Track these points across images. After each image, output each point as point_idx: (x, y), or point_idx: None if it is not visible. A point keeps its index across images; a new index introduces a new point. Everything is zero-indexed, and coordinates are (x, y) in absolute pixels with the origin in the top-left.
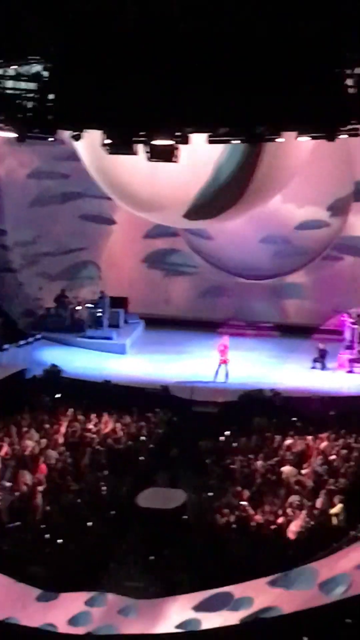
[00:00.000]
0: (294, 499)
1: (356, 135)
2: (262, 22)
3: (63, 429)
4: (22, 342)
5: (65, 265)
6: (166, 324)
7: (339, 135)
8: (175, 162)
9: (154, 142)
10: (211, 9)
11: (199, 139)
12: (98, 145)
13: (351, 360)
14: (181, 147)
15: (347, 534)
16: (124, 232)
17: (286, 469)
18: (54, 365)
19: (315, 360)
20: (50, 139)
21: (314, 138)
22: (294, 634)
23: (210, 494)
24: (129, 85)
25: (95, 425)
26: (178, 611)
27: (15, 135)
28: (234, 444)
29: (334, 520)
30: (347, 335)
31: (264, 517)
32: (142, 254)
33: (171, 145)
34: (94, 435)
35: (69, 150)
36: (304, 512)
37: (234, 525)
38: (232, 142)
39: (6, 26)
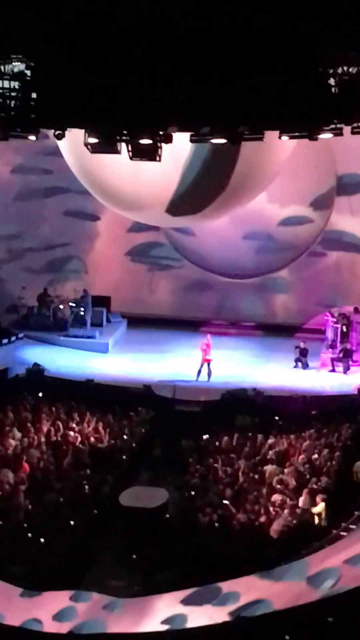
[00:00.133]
0: (276, 498)
1: (339, 134)
2: (245, 22)
3: (45, 428)
4: (4, 341)
5: (49, 259)
6: (149, 323)
7: (321, 134)
8: (158, 160)
9: (136, 141)
10: (196, 9)
11: (179, 137)
12: (81, 144)
13: (333, 359)
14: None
15: (330, 533)
16: (108, 226)
17: (268, 468)
18: (36, 365)
19: (297, 360)
20: (32, 138)
21: (296, 137)
22: (277, 632)
23: (193, 492)
24: (111, 85)
25: (77, 424)
26: (164, 606)
27: None
28: (217, 443)
29: (317, 519)
30: (329, 334)
31: (247, 516)
32: (126, 247)
33: (154, 144)
34: (77, 434)
35: (53, 145)
36: (286, 511)
37: (217, 524)
38: (214, 141)
39: None
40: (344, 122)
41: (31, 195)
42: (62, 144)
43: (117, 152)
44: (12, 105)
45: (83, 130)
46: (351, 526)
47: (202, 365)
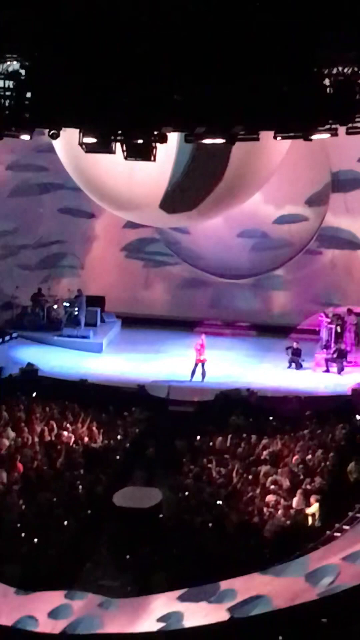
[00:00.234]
0: (270, 498)
1: (334, 135)
2: (240, 22)
3: (39, 428)
4: None
5: (45, 256)
6: (143, 323)
7: (317, 135)
8: (152, 160)
9: (131, 141)
10: (190, 9)
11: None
12: (75, 143)
13: (327, 360)
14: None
15: (324, 534)
16: (103, 222)
17: (262, 468)
18: (30, 364)
19: (291, 361)
20: (26, 138)
21: (291, 138)
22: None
23: (187, 493)
24: (106, 84)
25: (71, 424)
26: (160, 603)
27: None
28: (210, 444)
29: (310, 520)
30: (324, 334)
31: (240, 517)
32: (121, 243)
33: (148, 144)
34: (70, 434)
35: (48, 142)
36: (280, 511)
37: (210, 525)
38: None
39: None
40: (339, 123)
41: (26, 192)
42: (56, 144)
43: (112, 152)
44: (7, 104)
45: (78, 130)
46: (345, 527)
47: (196, 366)
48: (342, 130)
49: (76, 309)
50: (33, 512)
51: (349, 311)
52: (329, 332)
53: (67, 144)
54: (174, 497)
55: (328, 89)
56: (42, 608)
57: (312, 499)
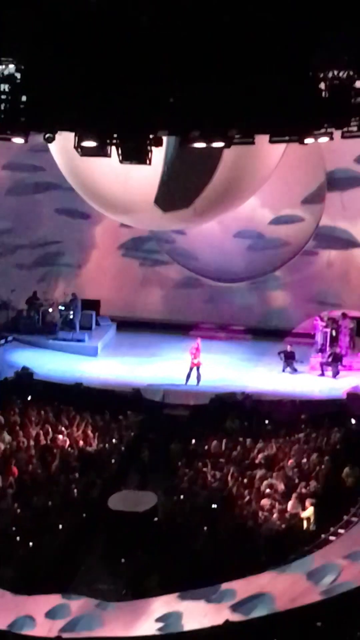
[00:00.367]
0: (265, 502)
1: (330, 138)
2: (236, 26)
3: (34, 432)
4: None
5: (41, 254)
6: (138, 326)
7: (312, 138)
8: (148, 164)
9: (126, 144)
10: (186, 12)
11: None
12: (71, 147)
13: (322, 364)
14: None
15: (319, 537)
16: (100, 220)
17: (257, 472)
18: (25, 368)
19: (285, 364)
20: (19, 141)
21: (286, 142)
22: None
23: (182, 496)
24: (101, 88)
25: (66, 427)
26: (160, 603)
27: None
28: (205, 447)
29: (305, 524)
30: (319, 338)
31: (235, 521)
32: (118, 241)
33: (144, 147)
34: (65, 438)
35: (44, 142)
36: (275, 515)
37: (205, 529)
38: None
39: None
40: (334, 126)
41: (22, 192)
42: (52, 147)
43: (107, 155)
44: (2, 108)
45: (73, 134)
46: (340, 530)
47: (191, 369)
48: (337, 132)
49: (71, 312)
50: (28, 516)
51: (344, 315)
52: (324, 335)
53: (62, 147)
54: (168, 500)
55: (323, 93)
56: (39, 608)
57: (307, 502)
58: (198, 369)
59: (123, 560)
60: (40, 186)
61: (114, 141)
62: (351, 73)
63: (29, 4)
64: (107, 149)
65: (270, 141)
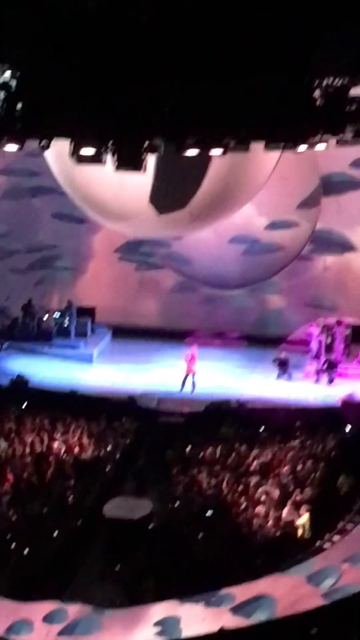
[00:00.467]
0: (260, 509)
1: (325, 145)
2: (230, 34)
3: (30, 439)
4: None
5: (37, 258)
6: (133, 334)
7: (307, 146)
8: (143, 171)
9: (121, 152)
10: (183, 19)
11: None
12: (66, 155)
13: (317, 371)
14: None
15: (313, 544)
16: (96, 225)
17: (252, 479)
18: (20, 375)
19: (279, 372)
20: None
21: (281, 149)
22: None
23: (177, 503)
24: (97, 96)
25: (61, 434)
26: (158, 606)
27: None
28: (201, 454)
29: (300, 531)
30: (314, 345)
31: (231, 527)
32: (114, 244)
33: (139, 155)
34: (61, 445)
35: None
36: (270, 522)
37: (201, 535)
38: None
39: None
40: (329, 134)
41: (19, 196)
42: (48, 154)
43: (103, 163)
44: None
45: (69, 141)
46: (335, 537)
47: (186, 376)
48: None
49: (67, 319)
50: (23, 523)
51: (339, 322)
52: (319, 343)
53: (58, 154)
54: (164, 507)
55: (318, 101)
56: (36, 613)
57: (302, 509)
58: (193, 376)
59: (118, 567)
60: (37, 191)
61: (110, 149)
62: (346, 81)
63: (24, 10)
64: (102, 156)
65: (265, 149)
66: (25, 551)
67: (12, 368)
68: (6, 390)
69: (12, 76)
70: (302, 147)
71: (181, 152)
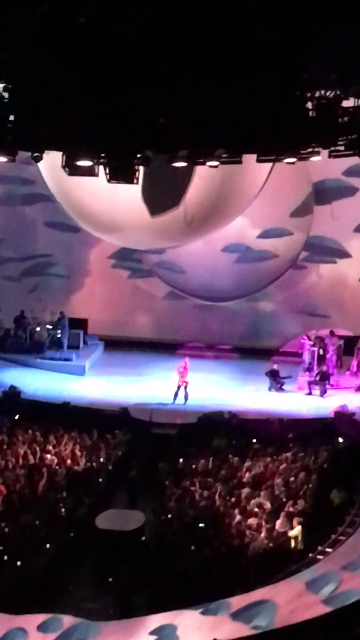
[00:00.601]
0: (252, 521)
1: (317, 157)
2: (222, 46)
3: (22, 451)
4: None
5: (30, 267)
6: (126, 345)
7: (300, 157)
8: (135, 183)
9: (113, 164)
10: (175, 31)
11: None
12: (59, 166)
13: (310, 383)
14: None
15: (306, 556)
16: (89, 233)
17: (245, 491)
18: (12, 387)
19: (274, 383)
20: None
21: (273, 161)
22: None
23: (169, 515)
24: (88, 108)
25: (54, 446)
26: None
27: None
28: (193, 466)
29: (293, 543)
30: (306, 357)
31: (223, 539)
32: (108, 251)
33: (131, 166)
34: (53, 457)
35: None
36: (263, 534)
37: (193, 547)
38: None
39: None
40: (322, 146)
41: (11, 204)
42: (40, 166)
43: (95, 174)
44: None
45: (60, 153)
46: (327, 549)
47: (178, 388)
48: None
49: (59, 331)
50: (15, 535)
51: (332, 333)
52: (311, 354)
53: (50, 166)
54: (156, 519)
55: (311, 112)
56: (30, 622)
57: (295, 521)
58: (186, 387)
59: (111, 579)
60: (30, 199)
61: (102, 160)
62: (338, 92)
63: (17, 23)
64: (94, 168)
65: (258, 160)
66: (18, 563)
67: (4, 380)
68: None
69: (4, 88)
70: (290, 160)
71: (173, 164)
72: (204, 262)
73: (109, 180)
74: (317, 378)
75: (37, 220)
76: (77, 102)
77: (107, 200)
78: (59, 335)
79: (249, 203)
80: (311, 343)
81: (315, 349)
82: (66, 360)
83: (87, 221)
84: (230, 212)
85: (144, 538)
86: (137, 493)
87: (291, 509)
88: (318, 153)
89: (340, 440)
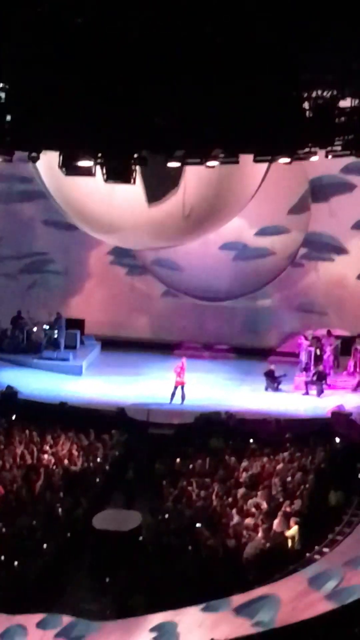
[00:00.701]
0: (249, 521)
1: (314, 157)
2: (220, 47)
3: (19, 451)
4: None
5: (28, 265)
6: (123, 345)
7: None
8: (132, 183)
9: (110, 164)
10: (172, 32)
11: None
12: (56, 166)
13: (307, 383)
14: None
15: (303, 556)
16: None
17: (242, 491)
18: (10, 387)
19: (271, 382)
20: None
21: (269, 161)
22: None
23: (166, 516)
24: (85, 108)
25: (51, 447)
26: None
27: None
28: (190, 466)
29: (290, 543)
30: (303, 357)
31: (220, 540)
32: (105, 249)
33: (128, 166)
34: (50, 457)
35: None
36: (259, 534)
37: (190, 548)
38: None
39: None
40: (318, 146)
41: (9, 202)
42: (37, 166)
43: (92, 174)
44: None
45: (57, 153)
46: (324, 549)
47: (175, 388)
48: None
49: (56, 331)
50: (12, 536)
51: (329, 333)
52: (308, 354)
53: (47, 166)
54: (153, 520)
55: (307, 113)
56: (30, 619)
57: (292, 521)
58: (183, 387)
59: (108, 579)
60: (27, 196)
61: (98, 161)
62: (335, 92)
63: (14, 24)
64: (91, 168)
65: (255, 161)
66: (15, 564)
67: (1, 380)
68: None
69: (1, 89)
70: (284, 160)
71: (170, 164)
72: (201, 260)
73: (105, 181)
74: (314, 378)
75: (34, 218)
76: (74, 103)
77: (105, 201)
78: (55, 336)
79: (247, 203)
80: (308, 343)
81: (312, 349)
82: (63, 360)
83: (84, 222)
84: (228, 212)
85: (141, 538)
86: (135, 493)
87: (288, 509)
88: (315, 153)
89: (337, 440)
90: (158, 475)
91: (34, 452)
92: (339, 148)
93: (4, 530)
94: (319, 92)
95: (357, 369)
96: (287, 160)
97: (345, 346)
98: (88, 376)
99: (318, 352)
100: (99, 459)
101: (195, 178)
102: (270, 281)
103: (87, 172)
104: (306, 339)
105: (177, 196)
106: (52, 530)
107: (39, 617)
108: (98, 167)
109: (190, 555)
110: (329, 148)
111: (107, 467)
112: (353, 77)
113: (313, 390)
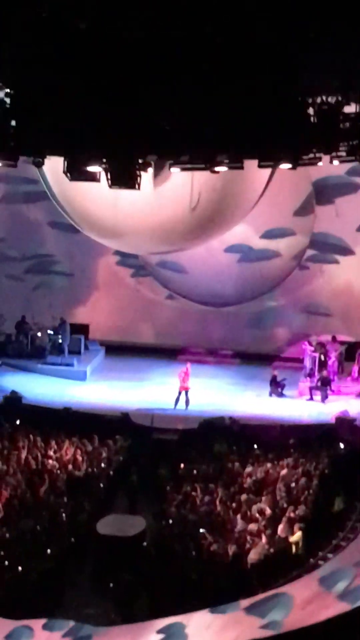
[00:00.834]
0: (253, 526)
1: (319, 163)
2: (224, 51)
3: (23, 456)
4: None
5: (33, 267)
6: (127, 351)
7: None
8: (137, 189)
9: (115, 169)
10: (176, 37)
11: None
12: (60, 171)
13: (311, 388)
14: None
15: (307, 562)
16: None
17: (246, 496)
18: (14, 392)
19: (275, 388)
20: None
21: (273, 167)
22: None
23: (170, 521)
24: (90, 113)
25: (55, 451)
26: None
27: None
28: (194, 472)
29: (294, 548)
30: (308, 363)
31: (224, 545)
32: (110, 249)
33: (132, 172)
34: (54, 462)
35: None
36: (263, 539)
37: (194, 553)
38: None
39: None
40: (323, 152)
41: (14, 204)
42: (42, 171)
43: (97, 180)
44: None
45: (62, 158)
46: (328, 555)
47: (180, 394)
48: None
49: (60, 336)
50: (16, 540)
51: (333, 339)
52: (312, 360)
53: (51, 171)
54: (157, 525)
55: (312, 118)
56: (35, 621)
57: (296, 527)
58: (187, 393)
59: (111, 584)
60: (32, 198)
61: (103, 166)
62: (339, 98)
63: (18, 29)
64: (96, 173)
65: (259, 166)
66: (19, 569)
67: (6, 385)
68: (0, 407)
69: (6, 94)
70: (286, 165)
71: (174, 169)
72: (206, 263)
73: (110, 186)
74: (318, 384)
75: (39, 220)
76: (78, 108)
77: (109, 206)
78: (60, 341)
79: (252, 207)
80: (312, 349)
81: (317, 354)
82: (67, 365)
83: (89, 227)
84: (233, 217)
85: (145, 543)
86: (138, 498)
87: (292, 515)
88: (320, 159)
89: (341, 445)
90: (162, 480)
91: (38, 457)
92: (344, 153)
93: (7, 534)
94: (324, 97)
95: None
96: (291, 165)
97: (350, 352)
98: (92, 381)
99: (322, 357)
100: (102, 464)
101: (201, 183)
102: (277, 285)
103: (92, 177)
104: (310, 344)
105: (184, 188)
106: (55, 535)
107: (43, 620)
108: (102, 173)
109: (194, 561)
110: (334, 153)
111: (111, 472)
112: (357, 83)
113: (317, 396)
